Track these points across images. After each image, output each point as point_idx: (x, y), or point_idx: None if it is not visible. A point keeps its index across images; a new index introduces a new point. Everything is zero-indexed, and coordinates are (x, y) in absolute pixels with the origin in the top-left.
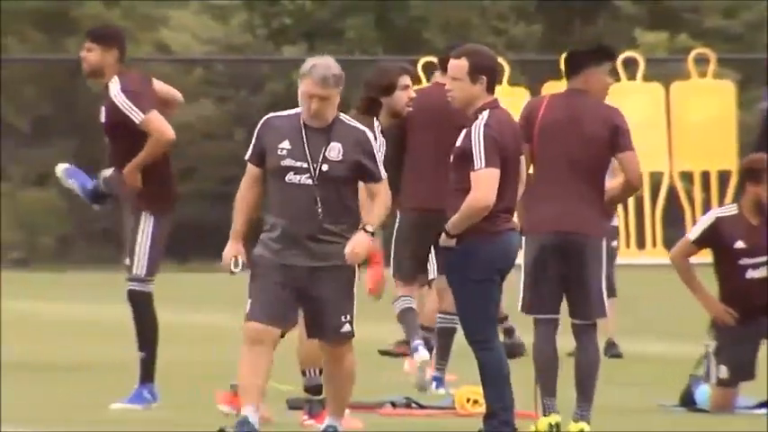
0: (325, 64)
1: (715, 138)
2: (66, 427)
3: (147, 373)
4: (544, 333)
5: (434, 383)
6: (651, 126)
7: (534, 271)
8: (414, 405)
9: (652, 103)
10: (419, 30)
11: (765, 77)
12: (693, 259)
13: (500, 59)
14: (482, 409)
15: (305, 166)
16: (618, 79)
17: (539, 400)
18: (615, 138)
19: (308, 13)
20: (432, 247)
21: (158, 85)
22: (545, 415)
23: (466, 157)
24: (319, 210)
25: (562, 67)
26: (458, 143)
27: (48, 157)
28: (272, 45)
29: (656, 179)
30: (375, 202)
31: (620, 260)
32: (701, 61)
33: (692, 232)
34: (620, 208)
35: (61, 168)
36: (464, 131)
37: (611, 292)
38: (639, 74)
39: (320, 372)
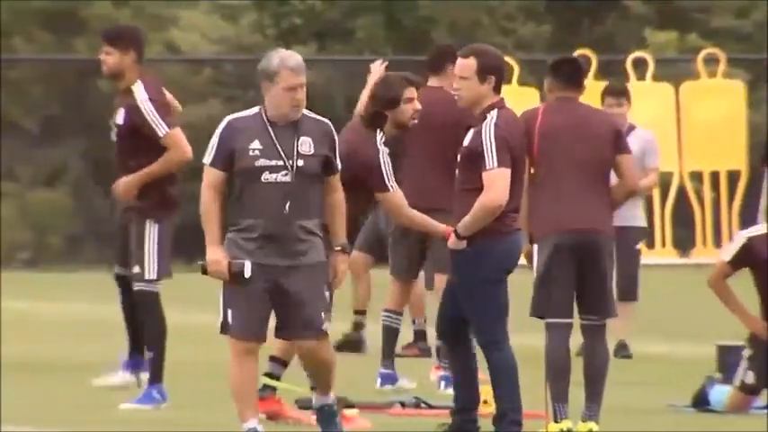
0: (289, 53)
1: (725, 138)
2: (72, 427)
3: (156, 374)
4: (558, 337)
5: (443, 383)
6: (661, 126)
7: (549, 273)
8: (423, 405)
9: (661, 103)
10: (427, 30)
11: None
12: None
13: (509, 59)
14: (492, 409)
15: (280, 163)
16: (627, 79)
17: (549, 402)
18: (616, 139)
19: (318, 14)
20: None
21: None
22: (556, 421)
23: (475, 156)
24: (297, 206)
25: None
26: (465, 143)
27: (56, 157)
28: (282, 45)
29: (665, 179)
30: (337, 209)
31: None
32: (711, 61)
33: (726, 254)
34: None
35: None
36: (471, 131)
37: (633, 296)
38: (649, 74)
39: None
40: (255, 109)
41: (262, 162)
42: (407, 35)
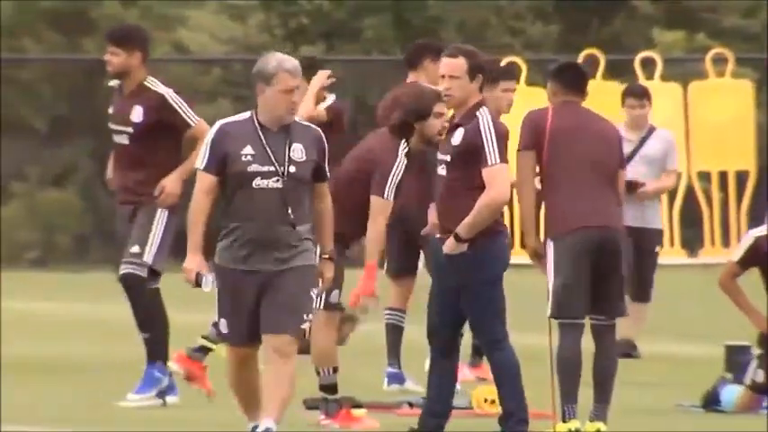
0: (283, 56)
1: (733, 137)
2: (79, 427)
3: (154, 353)
4: (571, 338)
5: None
6: (669, 126)
7: (569, 272)
8: None
9: (670, 103)
10: (436, 30)
11: None
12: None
13: (516, 59)
14: (498, 409)
15: (272, 169)
16: (636, 79)
17: (557, 401)
18: (621, 151)
19: (326, 13)
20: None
21: None
22: (564, 421)
23: (471, 153)
24: (289, 212)
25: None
26: (456, 141)
27: (65, 157)
28: (289, 45)
29: None
30: (326, 218)
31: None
32: (719, 61)
33: (735, 254)
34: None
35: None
36: (461, 129)
37: (647, 298)
38: (657, 74)
39: (334, 370)
40: (247, 114)
41: (254, 168)
42: (416, 35)
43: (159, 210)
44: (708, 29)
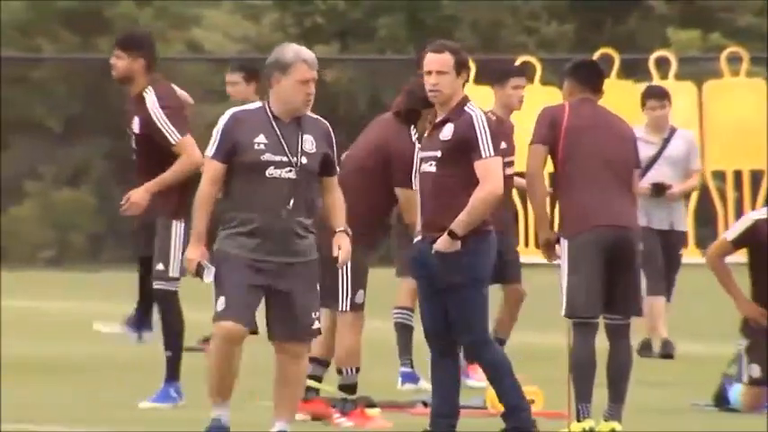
0: (300, 47)
1: (748, 137)
2: (94, 427)
3: (174, 372)
4: (585, 338)
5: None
6: (684, 125)
7: (583, 271)
8: None
9: (684, 103)
10: (450, 29)
11: None
12: (729, 259)
13: (531, 59)
14: (538, 408)
15: (285, 159)
16: (650, 78)
17: (572, 401)
18: (636, 149)
19: (341, 13)
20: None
21: (179, 92)
22: (579, 420)
23: (463, 147)
24: (299, 203)
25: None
26: (446, 136)
27: (79, 156)
28: (304, 44)
29: None
30: (337, 205)
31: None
32: (734, 60)
33: (730, 233)
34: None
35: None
36: (451, 124)
37: (667, 298)
38: (672, 73)
39: (357, 370)
40: (258, 104)
41: (267, 156)
42: (430, 34)
43: (174, 223)
44: (722, 28)
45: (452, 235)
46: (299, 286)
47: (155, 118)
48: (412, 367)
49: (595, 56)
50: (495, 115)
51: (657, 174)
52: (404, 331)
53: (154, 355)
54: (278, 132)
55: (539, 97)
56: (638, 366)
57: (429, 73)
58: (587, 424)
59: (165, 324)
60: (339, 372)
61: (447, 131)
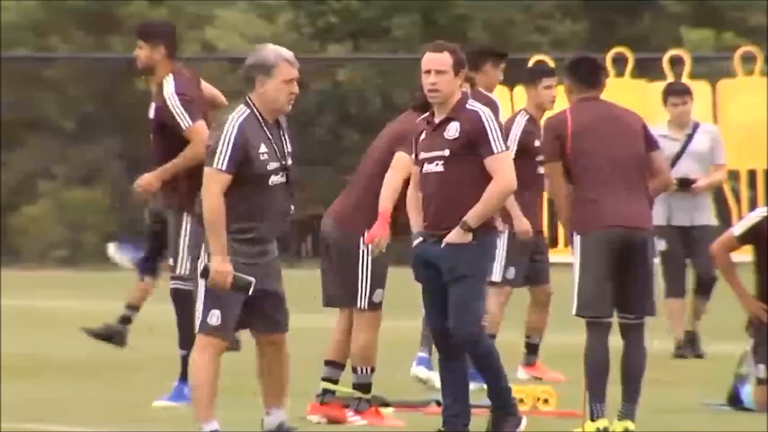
0: (279, 47)
1: (762, 136)
2: (112, 427)
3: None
4: (598, 337)
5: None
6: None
7: (594, 270)
8: None
9: (698, 102)
10: (463, 28)
11: None
12: (738, 258)
13: (544, 58)
14: (551, 408)
15: (279, 165)
16: (664, 78)
17: (586, 400)
18: (647, 135)
19: (354, 13)
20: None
21: (205, 86)
22: (593, 420)
23: (473, 145)
24: (292, 207)
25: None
26: (452, 135)
27: (92, 155)
28: (317, 44)
29: None
30: None
31: None
32: (748, 59)
33: (737, 228)
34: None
35: (112, 247)
36: (456, 123)
37: (709, 296)
38: (685, 72)
39: (371, 370)
40: (245, 109)
41: (271, 166)
42: (443, 34)
43: (185, 215)
44: (736, 27)
45: (465, 227)
46: (279, 281)
47: (169, 104)
48: (430, 354)
49: (609, 55)
50: (529, 114)
51: (682, 169)
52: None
53: (169, 354)
54: (270, 137)
55: None
56: (652, 366)
57: (428, 72)
58: (601, 424)
59: (180, 322)
60: (354, 370)
61: (453, 130)
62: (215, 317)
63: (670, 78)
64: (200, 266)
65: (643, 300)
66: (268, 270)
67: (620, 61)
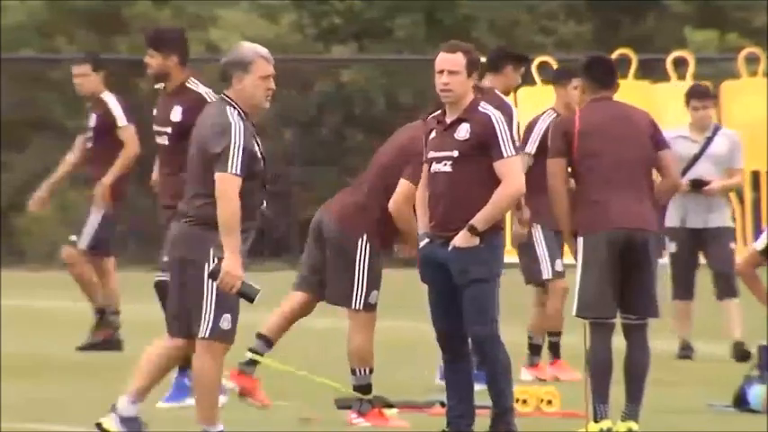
0: (255, 44)
1: (765, 137)
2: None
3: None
4: (601, 338)
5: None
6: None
7: (597, 271)
8: None
9: None
10: (468, 29)
11: None
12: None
13: (548, 59)
14: (555, 408)
15: (264, 163)
16: (668, 79)
17: (589, 401)
18: (655, 136)
19: (358, 13)
20: None
21: None
22: (596, 420)
23: (483, 147)
24: (264, 201)
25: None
26: (463, 136)
27: None
28: (321, 45)
29: None
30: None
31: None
32: (752, 60)
33: (759, 243)
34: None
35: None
36: (466, 124)
37: (734, 293)
38: (689, 73)
39: (370, 371)
40: (232, 108)
41: (262, 165)
42: (447, 34)
43: None
44: (740, 28)
45: (472, 230)
46: None
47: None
48: None
49: (613, 56)
50: (556, 113)
51: (699, 171)
52: None
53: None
54: (255, 135)
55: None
56: (656, 367)
57: (441, 72)
58: (604, 424)
59: None
60: (353, 372)
61: (463, 131)
62: (226, 321)
63: (674, 80)
64: (208, 269)
65: (645, 301)
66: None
67: (623, 62)
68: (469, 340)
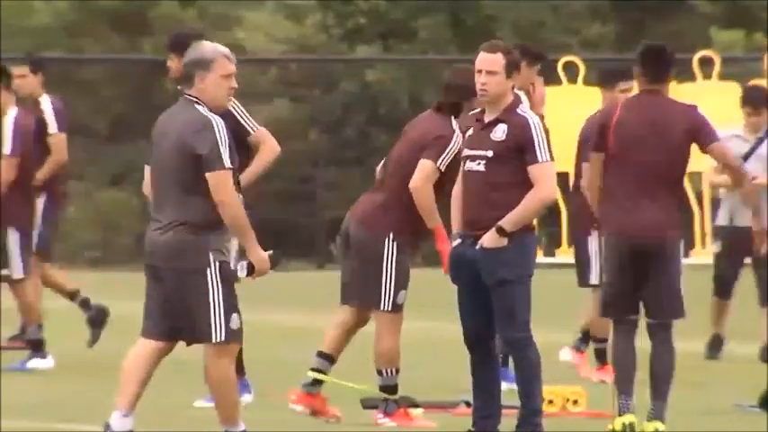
0: (215, 44)
1: None
2: (150, 428)
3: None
4: (622, 335)
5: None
6: (727, 125)
7: (616, 271)
8: None
9: (728, 102)
10: (492, 29)
11: None
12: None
13: (574, 59)
14: (581, 408)
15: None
16: (694, 78)
17: (615, 400)
18: (698, 134)
19: (383, 13)
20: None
21: None
22: (620, 414)
23: (518, 150)
24: None
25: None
26: (499, 137)
27: (124, 157)
28: (346, 45)
29: None
30: None
31: (697, 260)
32: None
33: None
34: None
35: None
36: (504, 125)
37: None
38: (715, 73)
39: (396, 371)
40: (203, 107)
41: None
42: (471, 35)
43: None
44: (766, 28)
45: (500, 231)
46: None
47: (233, 110)
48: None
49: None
50: None
51: (748, 170)
52: None
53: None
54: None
55: (581, 98)
56: (682, 367)
57: (479, 72)
58: (627, 419)
59: None
60: (379, 373)
61: (500, 132)
62: (235, 321)
63: (700, 79)
64: (239, 268)
65: (664, 303)
66: None
67: None
68: (497, 340)
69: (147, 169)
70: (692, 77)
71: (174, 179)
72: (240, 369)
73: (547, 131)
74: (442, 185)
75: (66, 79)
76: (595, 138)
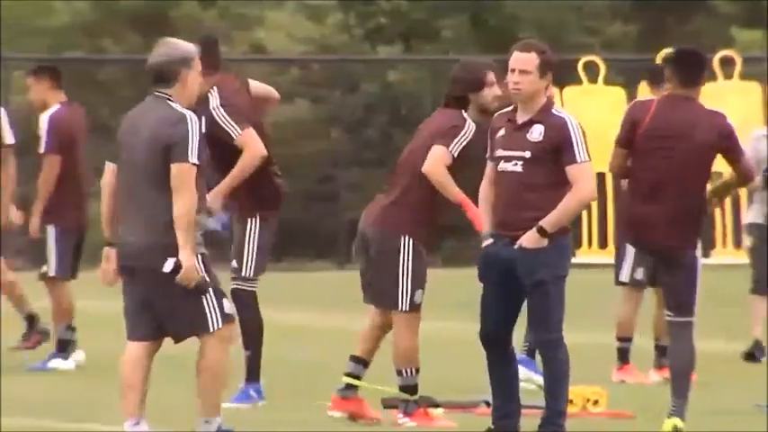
0: (186, 42)
1: None
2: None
3: (253, 372)
4: (678, 334)
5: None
6: (748, 125)
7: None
8: None
9: (748, 102)
10: (513, 29)
11: None
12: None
13: (595, 59)
14: (602, 409)
15: None
16: (714, 78)
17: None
18: (723, 145)
19: (404, 13)
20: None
21: (255, 85)
22: (669, 417)
23: (556, 150)
24: None
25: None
26: (536, 138)
27: None
28: (367, 45)
29: None
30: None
31: (717, 260)
32: None
33: None
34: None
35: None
36: (540, 126)
37: None
38: (736, 72)
39: (416, 371)
40: (176, 104)
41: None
42: (493, 34)
43: (250, 221)
44: None
45: (541, 232)
46: None
47: (216, 117)
48: (532, 357)
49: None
50: None
51: None
52: None
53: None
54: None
55: (602, 97)
56: (702, 368)
57: (512, 71)
58: (677, 422)
59: (243, 324)
60: (399, 373)
61: (537, 133)
62: (227, 304)
63: (721, 79)
64: (170, 264)
65: (676, 300)
66: None
67: None
68: (513, 339)
69: (109, 166)
70: (713, 77)
71: (146, 176)
72: (256, 374)
73: (584, 132)
74: (453, 177)
75: (86, 80)
76: (623, 133)
